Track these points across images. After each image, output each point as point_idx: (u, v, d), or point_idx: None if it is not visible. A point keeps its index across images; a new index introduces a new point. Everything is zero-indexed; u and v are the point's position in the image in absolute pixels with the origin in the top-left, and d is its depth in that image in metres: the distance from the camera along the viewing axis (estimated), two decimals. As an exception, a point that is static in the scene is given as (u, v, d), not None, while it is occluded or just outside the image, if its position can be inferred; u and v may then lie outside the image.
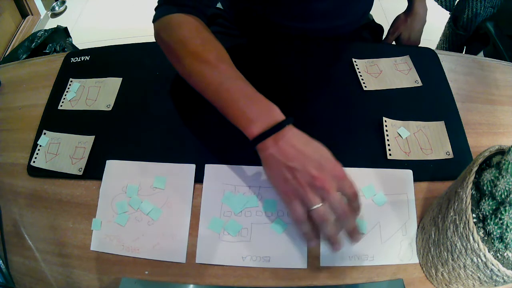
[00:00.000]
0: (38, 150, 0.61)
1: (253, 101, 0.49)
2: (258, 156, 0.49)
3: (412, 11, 0.87)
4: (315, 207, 0.44)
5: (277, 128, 0.46)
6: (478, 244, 0.37)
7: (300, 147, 0.46)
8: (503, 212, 0.37)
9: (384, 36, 0.94)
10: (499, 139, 0.62)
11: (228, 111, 0.50)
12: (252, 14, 0.77)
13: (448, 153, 0.58)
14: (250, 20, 0.81)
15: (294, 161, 0.45)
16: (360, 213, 0.47)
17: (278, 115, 0.48)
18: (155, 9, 0.59)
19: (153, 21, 0.59)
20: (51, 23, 2.21)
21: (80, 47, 1.29)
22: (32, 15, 2.17)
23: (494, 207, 0.38)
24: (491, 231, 0.38)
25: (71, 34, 1.56)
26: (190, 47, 0.53)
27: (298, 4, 0.72)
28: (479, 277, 0.40)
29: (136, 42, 0.76)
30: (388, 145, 0.59)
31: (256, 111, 0.48)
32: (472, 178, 0.40)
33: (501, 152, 0.41)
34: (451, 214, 0.41)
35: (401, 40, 0.90)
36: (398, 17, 0.90)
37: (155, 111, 0.65)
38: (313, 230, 0.46)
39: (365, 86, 0.67)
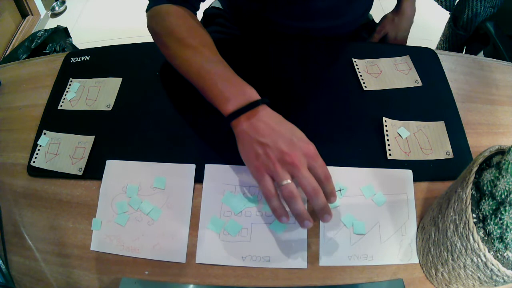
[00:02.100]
0: (38, 150, 0.61)
1: (231, 82, 0.52)
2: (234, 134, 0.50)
3: (399, 10, 0.87)
4: (284, 182, 0.45)
5: (251, 106, 0.49)
6: (478, 244, 0.37)
7: (272, 125, 0.48)
8: (503, 212, 0.37)
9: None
10: (499, 139, 0.62)
11: (207, 92, 0.53)
12: (252, 13, 0.77)
13: (448, 153, 0.59)
14: (250, 19, 0.81)
15: (265, 137, 0.47)
16: (336, 199, 0.48)
17: (253, 95, 0.50)
18: (149, 0, 0.63)
19: (146, 11, 0.63)
20: (51, 23, 2.21)
21: (80, 47, 1.29)
22: (32, 15, 2.17)
23: (494, 207, 0.38)
24: (491, 231, 0.38)
25: (71, 34, 1.56)
26: (176, 34, 0.57)
27: (298, 2, 0.72)
28: (479, 277, 0.40)
29: (136, 42, 0.76)
30: (388, 145, 0.59)
31: (232, 91, 0.51)
32: (472, 178, 0.40)
33: (501, 152, 0.41)
34: (451, 214, 0.41)
35: (387, 39, 0.89)
36: (385, 16, 0.90)
37: (155, 111, 0.65)
38: (284, 206, 0.47)
39: (365, 86, 0.67)
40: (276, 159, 0.46)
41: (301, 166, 0.45)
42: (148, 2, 0.63)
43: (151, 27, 0.61)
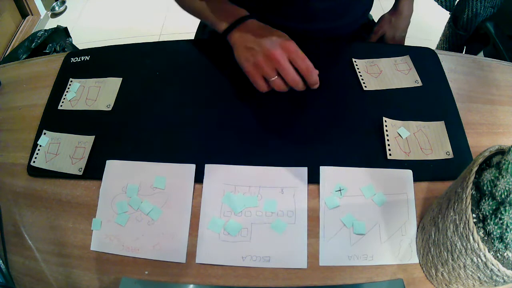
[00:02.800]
0: (38, 150, 0.61)
1: (224, 9, 0.63)
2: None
3: (397, 10, 0.87)
4: (272, 78, 0.54)
5: (240, 21, 0.59)
6: (478, 244, 0.37)
7: (258, 32, 0.56)
8: (503, 212, 0.37)
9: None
10: (499, 139, 0.62)
11: (210, 22, 0.65)
12: (252, 15, 0.77)
13: (448, 153, 0.59)
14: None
15: (252, 43, 0.56)
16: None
17: (242, 13, 0.61)
18: None
19: None
20: (51, 23, 2.21)
21: (80, 47, 1.29)
22: (32, 15, 2.17)
23: (494, 207, 0.38)
24: (491, 231, 0.38)
25: (71, 34, 1.56)
26: None
27: (298, 3, 0.72)
28: (479, 277, 0.40)
29: (136, 42, 0.76)
30: (388, 145, 0.59)
31: (226, 13, 0.62)
32: (472, 178, 0.40)
33: (501, 152, 0.41)
34: (451, 214, 0.41)
35: (385, 40, 0.89)
36: (382, 17, 0.90)
37: (155, 111, 0.65)
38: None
39: (365, 86, 0.67)
40: (262, 59, 0.54)
41: (281, 60, 0.52)
42: None
43: None
